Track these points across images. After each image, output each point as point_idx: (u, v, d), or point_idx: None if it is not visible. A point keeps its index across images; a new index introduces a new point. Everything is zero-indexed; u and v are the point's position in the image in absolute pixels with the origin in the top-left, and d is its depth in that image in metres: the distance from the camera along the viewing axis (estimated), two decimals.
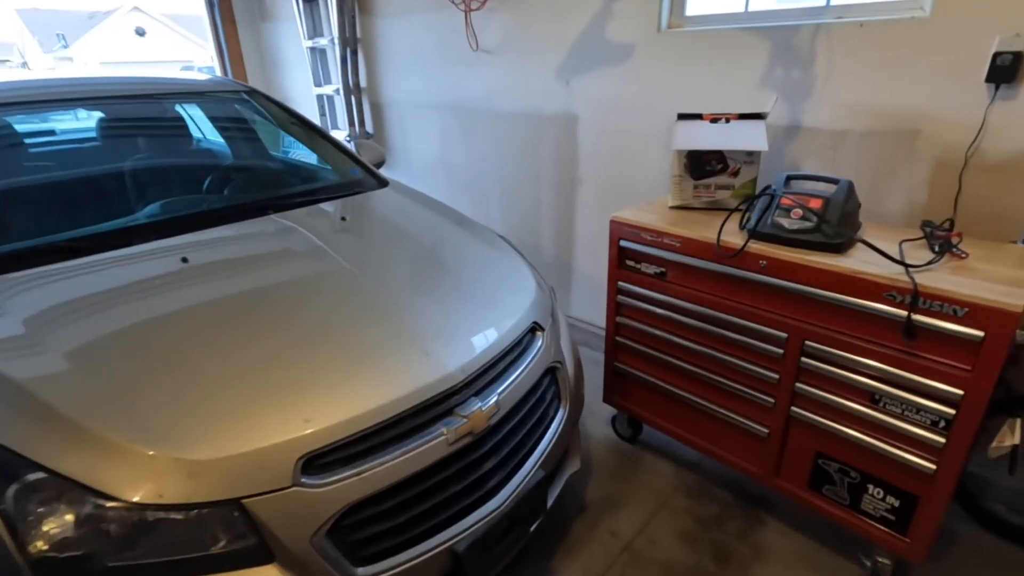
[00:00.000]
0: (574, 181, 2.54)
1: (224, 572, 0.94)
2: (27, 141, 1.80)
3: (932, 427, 1.25)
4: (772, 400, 1.51)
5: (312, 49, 3.46)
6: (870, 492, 1.40)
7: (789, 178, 1.48)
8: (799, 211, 1.38)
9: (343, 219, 1.73)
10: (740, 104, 1.89)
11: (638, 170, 2.29)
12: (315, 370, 1.10)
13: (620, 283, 1.79)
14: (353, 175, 2.14)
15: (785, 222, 1.39)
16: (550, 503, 1.41)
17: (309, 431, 0.99)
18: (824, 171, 1.79)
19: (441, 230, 1.79)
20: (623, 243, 1.73)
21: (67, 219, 1.50)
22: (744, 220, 1.53)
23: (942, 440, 1.24)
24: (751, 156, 1.64)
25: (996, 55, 1.43)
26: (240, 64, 3.99)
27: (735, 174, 1.68)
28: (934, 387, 1.21)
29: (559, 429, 1.45)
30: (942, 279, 1.19)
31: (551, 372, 1.47)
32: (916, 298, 1.18)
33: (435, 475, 1.12)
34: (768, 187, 1.49)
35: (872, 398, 1.33)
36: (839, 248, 1.34)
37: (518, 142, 2.70)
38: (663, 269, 1.67)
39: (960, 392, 1.18)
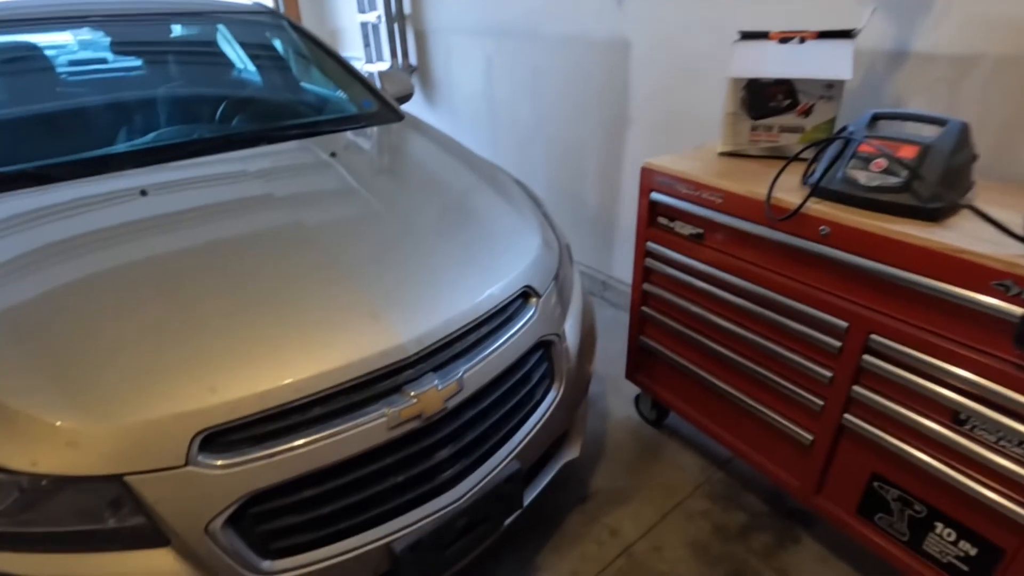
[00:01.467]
0: (624, 120, 2.20)
1: (109, 551, 0.83)
2: (19, 62, 1.72)
3: None
4: (821, 402, 1.20)
5: None
6: (938, 532, 1.09)
7: (876, 117, 1.11)
8: (882, 161, 1.02)
9: (332, 155, 1.54)
10: (831, 22, 1.48)
11: (700, 110, 1.91)
12: (238, 336, 0.92)
13: (649, 244, 1.50)
14: (367, 107, 1.93)
15: (861, 176, 1.04)
16: (529, 499, 1.22)
17: (211, 404, 0.83)
18: (937, 111, 1.37)
19: (440, 172, 1.55)
20: (655, 196, 1.43)
21: (38, 146, 1.41)
22: (809, 172, 1.18)
23: None
24: (831, 89, 1.26)
25: None
26: None
27: (807, 112, 1.31)
28: None
29: (548, 413, 1.23)
30: None
31: (544, 346, 1.24)
32: None
33: (371, 463, 0.95)
34: (844, 128, 1.13)
35: (955, 417, 1.00)
36: (935, 215, 0.99)
37: (564, 73, 2.37)
38: (700, 230, 1.36)
39: None
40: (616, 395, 1.92)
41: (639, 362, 1.70)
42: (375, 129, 1.80)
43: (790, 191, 1.17)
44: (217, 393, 0.85)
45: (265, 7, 2.14)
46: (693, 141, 1.93)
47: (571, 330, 1.33)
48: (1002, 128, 1.28)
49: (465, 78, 2.95)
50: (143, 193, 1.28)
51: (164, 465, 0.81)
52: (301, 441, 0.87)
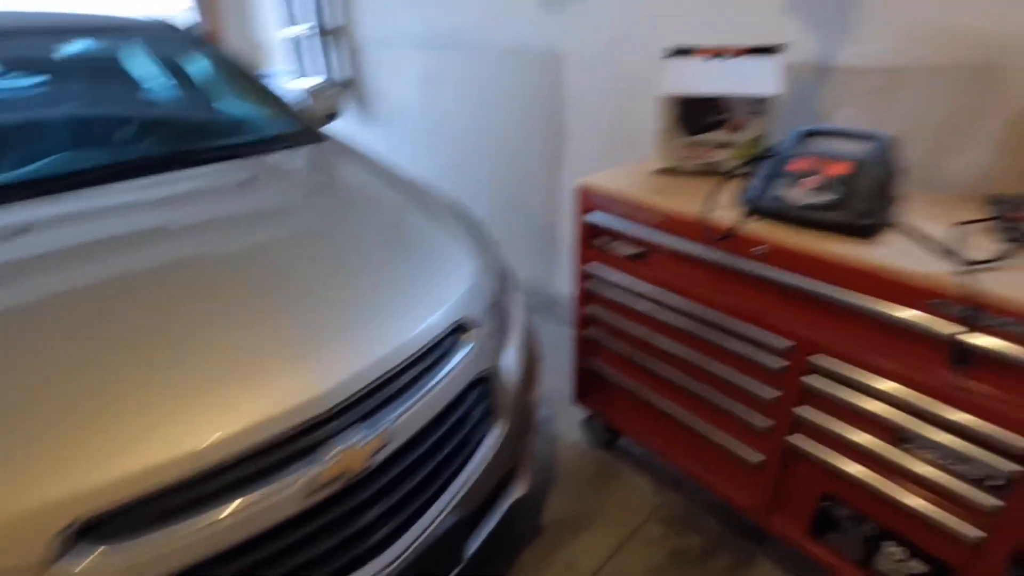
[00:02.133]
0: (564, 134, 2.16)
1: None
2: None
3: (982, 484, 0.90)
4: (768, 423, 1.18)
5: None
6: (889, 550, 1.08)
7: (807, 134, 1.10)
8: (814, 179, 1.00)
9: (243, 182, 1.42)
10: (760, 36, 1.48)
11: (637, 122, 1.89)
12: (120, 400, 0.80)
13: (588, 266, 1.45)
14: (285, 128, 1.81)
15: (795, 194, 1.02)
16: (472, 549, 1.13)
17: (79, 492, 0.71)
18: (866, 126, 1.38)
19: (365, 197, 1.46)
20: (591, 216, 1.38)
21: None
22: (744, 190, 1.16)
23: (996, 503, 0.89)
24: (760, 105, 1.25)
25: None
26: (212, 4, 3.63)
27: (739, 129, 1.29)
28: (991, 434, 0.86)
29: (491, 454, 1.15)
30: (1017, 282, 0.82)
31: (483, 382, 1.17)
32: (974, 311, 0.82)
33: (285, 536, 0.84)
34: (776, 146, 1.11)
35: (898, 436, 0.98)
36: (867, 232, 0.97)
37: (502, 86, 2.31)
38: (640, 250, 1.32)
39: None
40: (566, 417, 1.87)
41: (586, 385, 1.64)
42: (294, 152, 1.68)
43: (727, 209, 1.14)
44: (87, 478, 0.72)
45: (170, 22, 1.99)
46: (633, 155, 1.91)
47: (513, 360, 1.26)
48: (931, 137, 1.30)
49: (402, 92, 2.86)
50: (22, 231, 1.13)
51: (14, 567, 0.69)
52: (195, 524, 0.76)
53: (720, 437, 1.29)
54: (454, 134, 2.65)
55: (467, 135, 2.57)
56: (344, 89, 3.18)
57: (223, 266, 1.08)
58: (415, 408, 0.98)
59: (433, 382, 1.03)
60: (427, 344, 1.04)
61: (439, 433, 1.05)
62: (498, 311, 1.27)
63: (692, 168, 1.37)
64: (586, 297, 1.50)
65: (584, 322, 1.54)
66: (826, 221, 0.99)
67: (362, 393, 0.92)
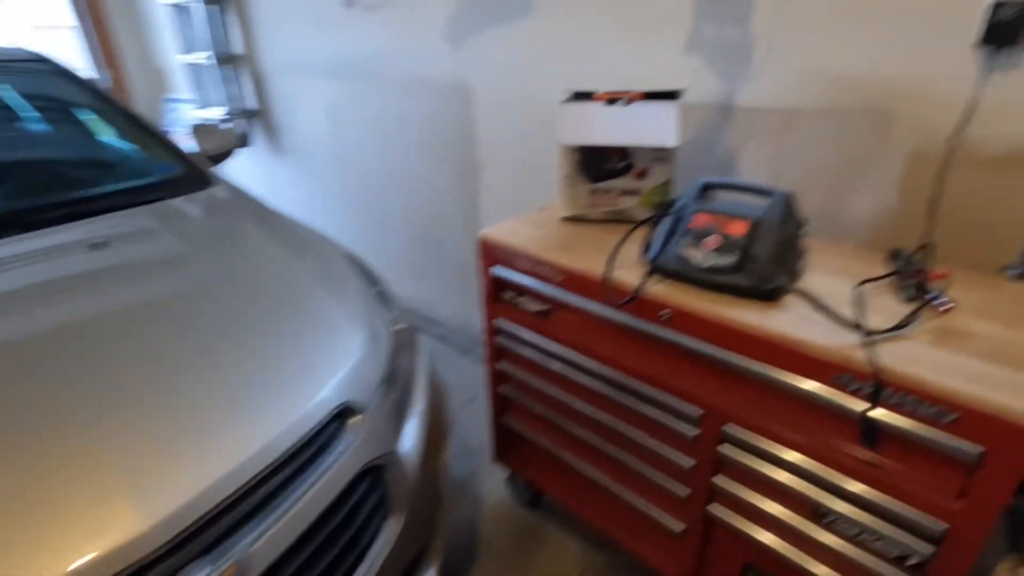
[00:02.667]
0: (477, 168, 2.06)
1: None
2: None
3: (900, 564, 0.85)
4: (686, 491, 1.10)
5: (174, 7, 2.85)
6: None
7: (707, 187, 1.04)
8: (714, 239, 0.94)
9: (97, 245, 1.24)
10: (664, 75, 1.43)
11: (546, 159, 1.82)
12: None
13: (497, 321, 1.35)
14: (164, 172, 1.63)
15: (696, 254, 0.95)
16: None
17: None
18: (767, 165, 1.35)
19: (244, 257, 1.30)
20: (496, 270, 1.28)
21: None
22: (646, 246, 1.09)
23: None
24: (663, 151, 1.19)
25: (996, 5, 0.99)
26: (102, 26, 3.34)
27: (642, 175, 1.23)
28: (904, 514, 0.81)
29: (386, 551, 1.02)
30: (918, 355, 0.77)
31: (374, 472, 1.03)
32: (878, 389, 0.76)
33: None
34: (675, 201, 1.04)
35: (815, 512, 0.92)
36: (770, 296, 0.91)
37: (412, 119, 2.20)
38: (547, 307, 1.22)
39: (944, 525, 0.78)
40: (489, 474, 1.75)
41: (504, 444, 1.53)
42: (170, 202, 1.50)
43: (631, 266, 1.06)
44: None
45: (32, 53, 1.77)
46: (545, 192, 1.83)
47: (414, 437, 1.13)
48: (829, 180, 1.28)
49: (310, 123, 2.69)
50: None
51: None
52: None
53: (642, 504, 1.21)
54: (365, 166, 2.51)
55: (379, 168, 2.44)
56: (248, 120, 2.98)
57: (57, 361, 0.90)
58: (282, 522, 0.84)
59: (307, 485, 0.89)
60: (298, 441, 0.90)
61: (316, 543, 0.91)
62: (396, 381, 1.15)
63: (599, 216, 1.30)
64: (497, 353, 1.40)
65: (497, 379, 1.43)
66: (728, 285, 0.93)
67: (205, 520, 0.77)
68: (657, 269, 1.00)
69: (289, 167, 2.96)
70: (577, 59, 1.59)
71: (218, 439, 0.84)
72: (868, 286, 0.94)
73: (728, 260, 0.92)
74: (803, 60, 1.23)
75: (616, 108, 1.17)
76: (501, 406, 1.47)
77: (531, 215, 1.36)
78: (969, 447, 0.71)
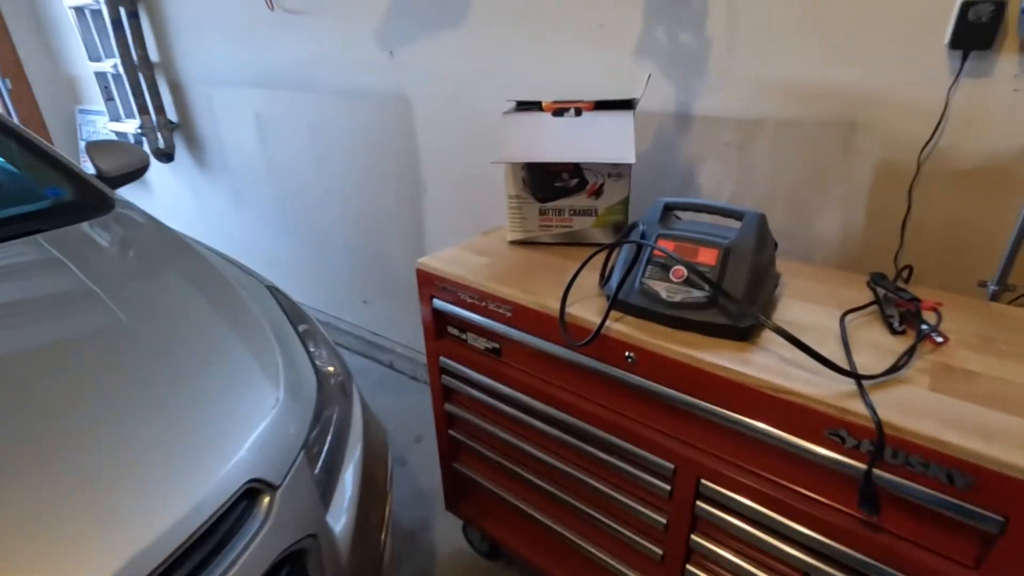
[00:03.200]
0: (419, 185, 1.91)
1: None
2: None
3: None
4: (660, 551, 0.98)
5: (77, 9, 2.57)
6: None
7: (668, 208, 0.92)
8: (681, 270, 0.82)
9: None
10: (616, 82, 1.32)
11: (495, 173, 1.68)
12: None
13: (443, 360, 1.20)
14: (53, 196, 1.40)
15: (662, 288, 0.83)
16: None
17: None
18: (729, 180, 1.26)
19: (141, 300, 1.10)
20: (437, 303, 1.13)
21: None
22: (605, 276, 0.96)
23: None
24: (619, 166, 1.07)
25: (966, 5, 0.92)
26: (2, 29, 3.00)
27: (597, 193, 1.11)
28: None
29: None
30: (921, 403, 0.67)
31: (294, 560, 0.86)
32: (880, 448, 0.65)
33: None
34: (635, 225, 0.92)
35: None
36: (747, 334, 0.80)
37: (347, 131, 2.02)
38: (496, 345, 1.08)
39: None
40: (444, 520, 1.59)
41: (457, 492, 1.38)
42: (59, 231, 1.29)
43: (589, 299, 0.93)
44: None
45: None
46: (494, 207, 1.70)
47: (346, 509, 0.97)
48: (794, 195, 1.19)
49: (236, 136, 2.47)
50: None
51: None
52: None
53: (611, 562, 1.08)
54: (300, 183, 2.31)
55: (315, 184, 2.25)
56: (169, 133, 2.72)
57: None
58: None
59: None
60: (194, 534, 0.73)
61: None
62: (322, 444, 0.98)
63: (550, 239, 1.17)
64: (444, 393, 1.24)
65: (447, 421, 1.28)
66: (699, 323, 0.81)
67: None
68: (618, 304, 0.87)
69: (218, 184, 2.72)
70: (521, 65, 1.47)
71: (92, 537, 0.66)
72: (851, 316, 0.84)
73: (697, 295, 0.80)
74: (763, 67, 1.14)
75: (565, 120, 1.04)
76: (452, 450, 1.32)
77: (475, 240, 1.22)
78: (989, 515, 0.60)
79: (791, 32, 1.09)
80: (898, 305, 0.83)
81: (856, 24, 1.03)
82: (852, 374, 0.69)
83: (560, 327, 0.90)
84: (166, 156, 2.76)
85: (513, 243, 1.18)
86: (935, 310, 0.79)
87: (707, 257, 0.82)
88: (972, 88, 0.97)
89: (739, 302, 0.78)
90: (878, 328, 0.83)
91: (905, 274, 1.04)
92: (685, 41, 1.21)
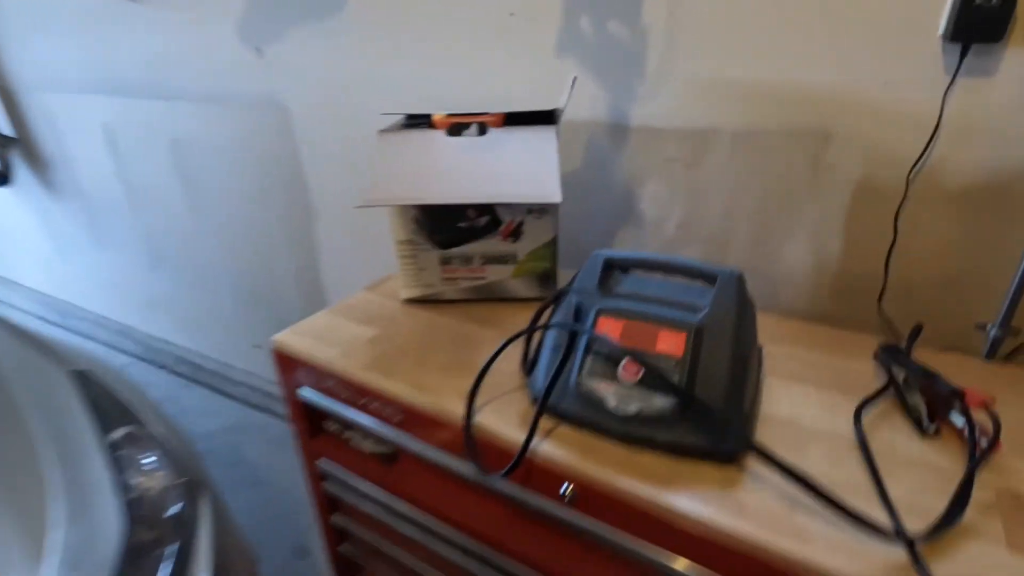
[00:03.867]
0: (309, 211, 1.57)
1: None
2: None
3: None
4: None
5: None
6: None
7: (609, 265, 0.66)
8: (634, 365, 0.56)
9: None
10: (532, 86, 1.05)
11: None
12: None
13: (321, 463, 0.89)
14: None
15: (608, 393, 0.57)
16: None
17: None
18: (677, 202, 1.02)
19: None
20: (305, 394, 0.82)
21: None
22: (527, 361, 0.69)
23: None
24: (540, 204, 0.81)
25: None
26: None
27: (515, 234, 0.83)
28: None
29: None
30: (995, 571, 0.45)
31: None
32: None
33: None
34: (564, 293, 0.65)
35: None
36: (732, 455, 0.55)
37: (216, 146, 1.65)
38: (388, 450, 0.79)
39: None
40: None
41: None
42: None
43: (509, 394, 0.66)
44: None
45: None
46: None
47: None
48: (752, 220, 0.97)
49: (86, 153, 2.02)
50: None
51: None
52: None
53: None
54: (169, 209, 1.90)
55: (185, 209, 1.85)
56: (8, 148, 2.23)
57: None
58: None
59: None
60: None
61: None
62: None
63: (458, 294, 0.89)
64: (327, 503, 0.94)
65: (334, 537, 0.97)
66: (664, 443, 0.55)
67: None
68: (550, 411, 0.60)
69: (71, 212, 2.25)
70: (416, 65, 1.17)
71: None
72: (866, 411, 0.61)
73: (661, 403, 0.54)
74: (713, 64, 0.90)
75: (465, 141, 0.76)
76: (345, 571, 1.01)
77: (358, 297, 0.92)
78: None
79: (748, 20, 0.86)
80: (924, 391, 0.61)
81: (827, 9, 0.81)
82: (901, 536, 0.46)
83: (466, 448, 0.62)
84: (1, 178, 2.26)
85: (409, 301, 0.89)
86: (986, 407, 0.57)
87: (671, 344, 0.56)
88: (972, 90, 0.77)
89: (720, 416, 0.53)
90: (898, 424, 0.60)
91: (916, 338, 0.82)
92: (616, 32, 0.96)
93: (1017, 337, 0.86)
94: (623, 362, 0.56)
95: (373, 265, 1.50)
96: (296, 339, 0.81)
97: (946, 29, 0.74)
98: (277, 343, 0.81)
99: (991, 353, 0.86)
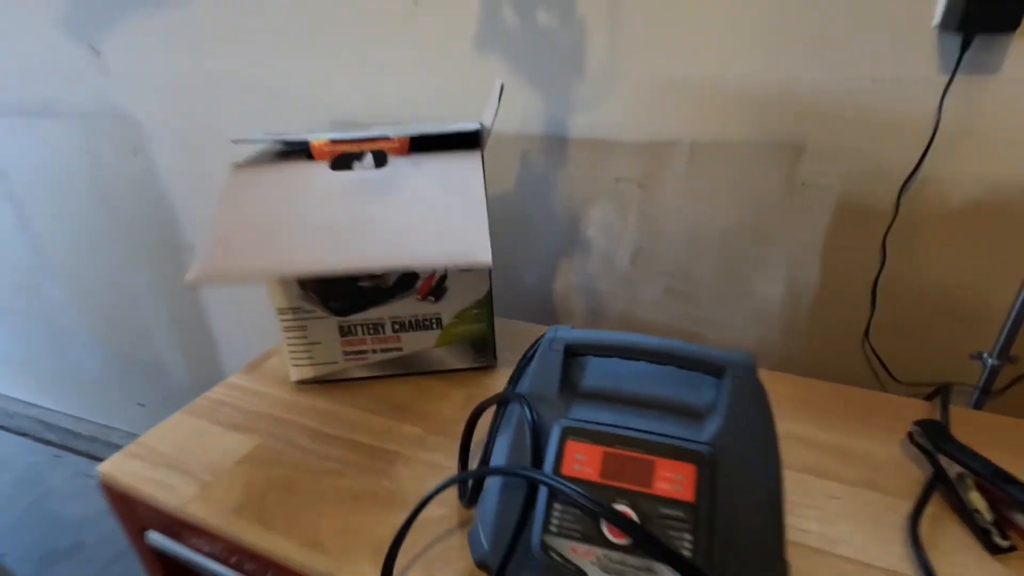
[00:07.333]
0: (179, 248, 1.28)
1: None
2: None
3: None
4: None
5: None
6: None
7: (570, 351, 0.47)
8: (627, 515, 0.38)
9: None
10: (450, 96, 0.85)
11: None
12: None
13: None
14: None
15: (586, 561, 0.39)
16: None
17: None
18: (631, 229, 0.85)
19: None
20: (154, 538, 0.58)
21: None
22: (466, 495, 0.49)
23: None
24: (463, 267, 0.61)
25: None
26: None
27: (436, 292, 0.63)
28: None
29: None
30: None
31: None
32: None
33: None
34: (510, 401, 0.46)
35: None
36: None
37: (50, 172, 1.32)
38: None
39: None
40: None
41: None
42: None
43: (445, 540, 0.46)
44: None
45: None
46: None
47: None
48: (719, 247, 0.82)
49: None
50: None
51: None
52: None
53: None
54: (1, 249, 1.53)
55: (22, 252, 1.49)
56: None
57: None
58: None
59: None
60: None
61: None
62: None
63: (366, 372, 0.67)
64: None
65: None
66: None
67: None
68: None
69: None
70: (297, 70, 0.93)
71: None
72: (920, 532, 0.46)
73: (668, 575, 0.37)
74: (665, 62, 0.74)
75: (356, 176, 0.55)
76: None
77: (231, 386, 0.69)
78: None
79: (705, 9, 0.69)
80: (981, 488, 0.47)
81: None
82: None
83: None
84: None
85: (302, 383, 0.67)
86: (1011, 531, 0.43)
87: (674, 482, 0.38)
88: (974, 90, 0.64)
89: (745, 570, 0.36)
90: (958, 537, 0.46)
91: (946, 412, 0.70)
92: (547, 24, 0.77)
93: (1016, 366, 0.77)
94: (612, 510, 0.38)
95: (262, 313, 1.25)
96: (133, 468, 0.57)
97: (944, 17, 0.61)
98: (104, 475, 0.57)
99: (987, 384, 0.77)
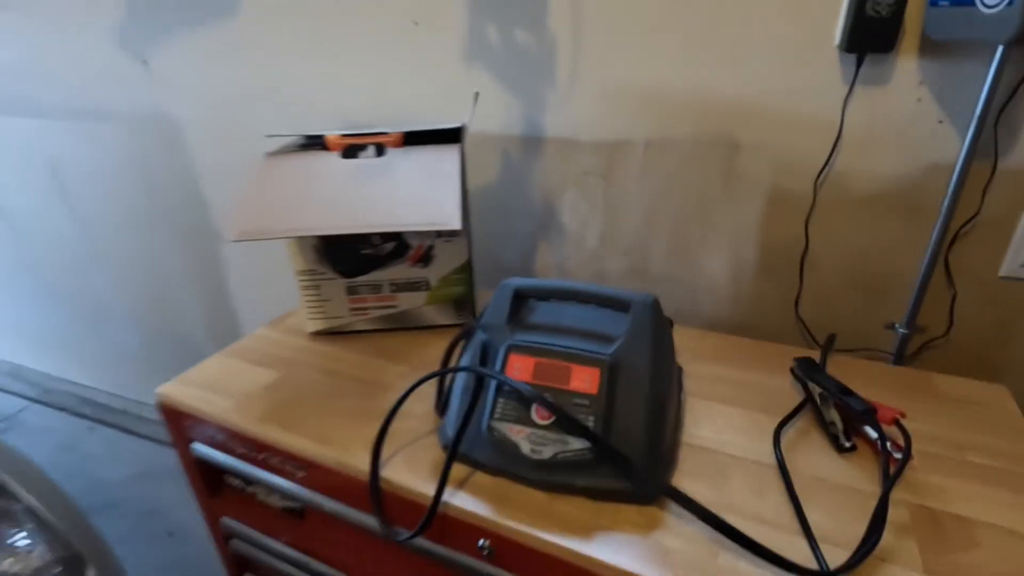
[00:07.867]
0: (209, 234, 1.45)
1: None
2: None
3: None
4: None
5: None
6: None
7: (519, 295, 0.62)
8: (544, 411, 0.52)
9: None
10: (443, 100, 1.00)
11: None
12: None
13: (226, 521, 0.81)
14: None
15: (520, 438, 0.53)
16: None
17: None
18: (596, 215, 0.99)
19: None
20: (200, 450, 0.74)
21: None
22: (440, 398, 0.64)
23: None
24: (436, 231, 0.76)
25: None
26: None
27: (425, 259, 0.78)
28: None
29: None
30: None
31: None
32: None
33: None
34: (472, 330, 0.61)
35: None
36: (652, 498, 0.53)
37: (101, 167, 1.49)
38: (295, 505, 0.72)
39: None
40: None
41: None
42: None
43: (420, 440, 0.61)
44: None
45: None
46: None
47: None
48: (672, 230, 0.96)
49: None
50: None
51: None
52: None
53: None
54: (50, 235, 1.72)
55: (73, 238, 1.67)
56: None
57: None
58: None
59: None
60: None
61: None
62: None
63: (368, 325, 0.82)
64: (238, 564, 0.85)
65: None
66: (581, 489, 0.52)
67: None
68: (462, 459, 0.55)
69: None
70: (314, 78, 1.09)
71: None
72: (786, 431, 0.60)
73: (577, 446, 0.51)
74: (620, 73, 0.88)
75: (361, 164, 0.70)
76: None
77: (260, 335, 0.84)
78: None
79: (651, 28, 0.84)
80: (838, 407, 0.60)
81: (727, 19, 0.80)
82: (822, 574, 0.44)
83: (373, 507, 0.56)
84: None
85: (315, 335, 0.82)
86: (896, 422, 0.56)
87: (584, 381, 0.53)
88: (869, 99, 0.78)
89: (638, 448, 0.50)
90: (817, 442, 0.59)
91: (830, 346, 0.83)
92: (523, 40, 0.92)
93: (923, 335, 0.90)
94: (534, 403, 0.52)
95: (291, 289, 1.41)
96: (184, 390, 0.72)
97: (841, 40, 0.75)
98: (161, 396, 0.72)
99: (900, 351, 0.89)
